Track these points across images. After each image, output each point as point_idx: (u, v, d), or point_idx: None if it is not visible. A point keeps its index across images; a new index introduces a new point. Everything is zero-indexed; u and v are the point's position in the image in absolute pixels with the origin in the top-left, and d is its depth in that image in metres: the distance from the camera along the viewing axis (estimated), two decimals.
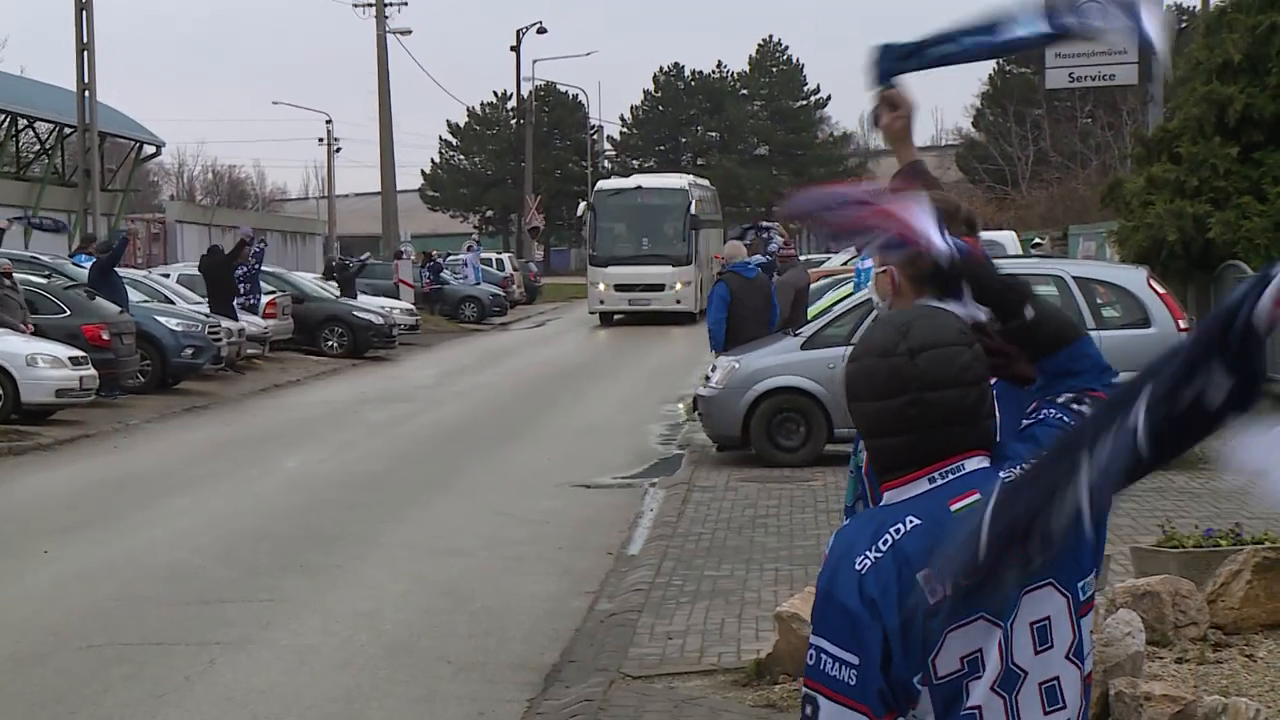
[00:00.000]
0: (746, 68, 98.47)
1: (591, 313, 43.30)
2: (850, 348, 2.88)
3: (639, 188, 45.43)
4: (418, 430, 19.46)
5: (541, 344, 36.21)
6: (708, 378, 16.02)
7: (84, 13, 31.81)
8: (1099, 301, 15.21)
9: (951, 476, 2.70)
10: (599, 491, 14.56)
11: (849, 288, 16.95)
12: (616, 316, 42.79)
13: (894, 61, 4.05)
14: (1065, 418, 2.81)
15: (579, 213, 46.65)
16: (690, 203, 43.71)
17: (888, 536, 2.65)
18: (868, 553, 2.65)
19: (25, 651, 8.93)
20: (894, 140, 4.15)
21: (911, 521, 2.65)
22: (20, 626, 9.52)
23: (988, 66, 70.86)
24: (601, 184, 47.94)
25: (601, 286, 42.52)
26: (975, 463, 2.72)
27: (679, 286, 42.22)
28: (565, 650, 8.71)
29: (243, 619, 9.62)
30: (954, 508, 2.65)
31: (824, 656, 2.66)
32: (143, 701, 7.95)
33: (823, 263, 27.74)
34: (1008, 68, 69.65)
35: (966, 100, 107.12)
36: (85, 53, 32.11)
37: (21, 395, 19.23)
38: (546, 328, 43.78)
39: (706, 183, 53.97)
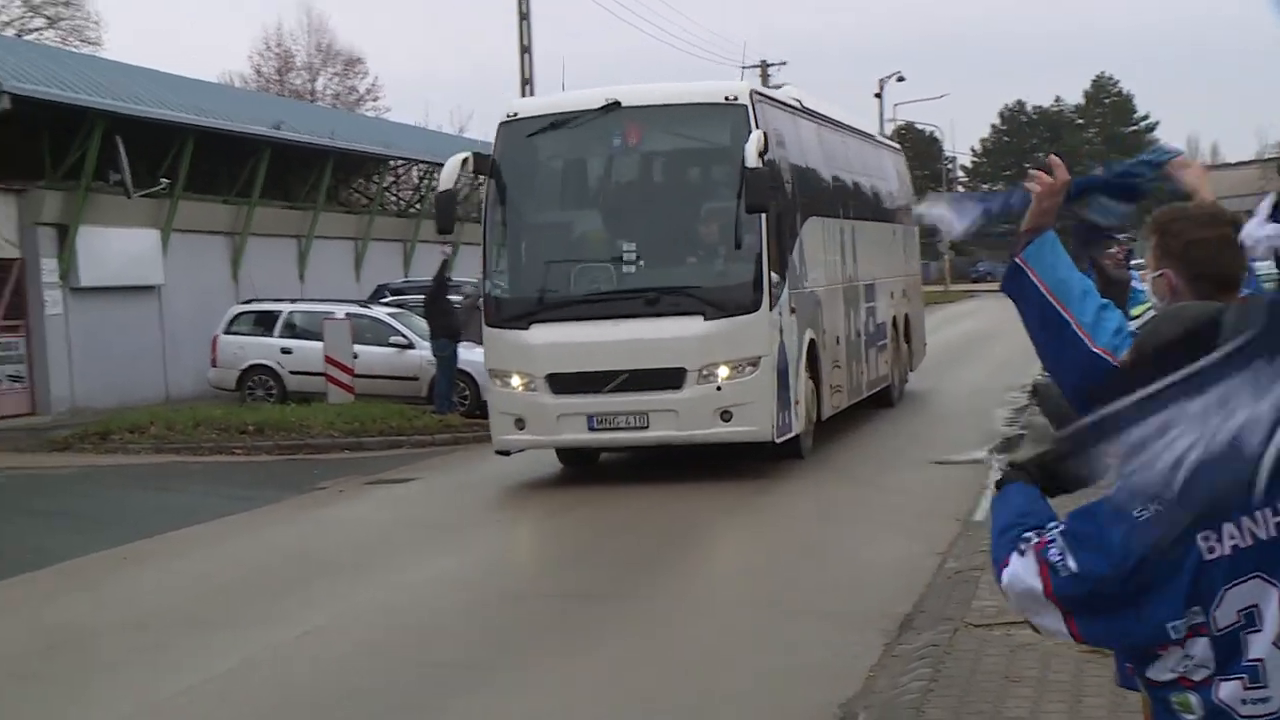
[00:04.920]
0: (1082, 100, 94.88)
1: (499, 452, 13.91)
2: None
3: (614, 106, 13.16)
4: None
5: None
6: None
7: (526, 86, 33.02)
8: None
9: None
10: (950, 467, 14.18)
11: None
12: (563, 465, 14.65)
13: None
14: None
15: (439, 186, 13.91)
16: (750, 134, 12.63)
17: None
18: (1150, 504, 2.46)
19: (508, 591, 9.29)
20: (1040, 213, 3.60)
21: None
22: (481, 582, 9.90)
23: None
24: (516, 105, 14.20)
25: (516, 383, 13.14)
26: None
27: (724, 372, 12.80)
28: (917, 602, 8.48)
29: (638, 575, 9.75)
30: None
31: (1059, 542, 2.55)
32: (582, 639, 8.15)
33: None
34: None
35: None
36: None
37: (482, 395, 20.14)
38: None
39: (796, 94, 16.49)
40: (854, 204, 17.77)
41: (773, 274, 13.05)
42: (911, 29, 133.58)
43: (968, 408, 19.41)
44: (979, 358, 28.62)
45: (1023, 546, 2.59)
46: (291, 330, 22.10)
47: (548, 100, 14.25)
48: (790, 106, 15.64)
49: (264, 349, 21.94)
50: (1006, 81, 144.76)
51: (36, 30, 48.31)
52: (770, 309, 12.97)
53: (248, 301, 23.88)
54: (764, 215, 12.74)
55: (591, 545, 10.90)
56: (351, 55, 59.85)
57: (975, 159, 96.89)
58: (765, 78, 51.09)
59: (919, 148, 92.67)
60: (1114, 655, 2.73)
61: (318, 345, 20.63)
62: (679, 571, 9.86)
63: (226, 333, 22.42)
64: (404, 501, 14.00)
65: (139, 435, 18.52)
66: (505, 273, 13.59)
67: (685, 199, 13.74)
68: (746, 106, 13.05)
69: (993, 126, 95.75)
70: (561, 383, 12.90)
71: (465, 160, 13.31)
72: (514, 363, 13.16)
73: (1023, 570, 2.58)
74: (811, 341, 14.39)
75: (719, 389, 12.79)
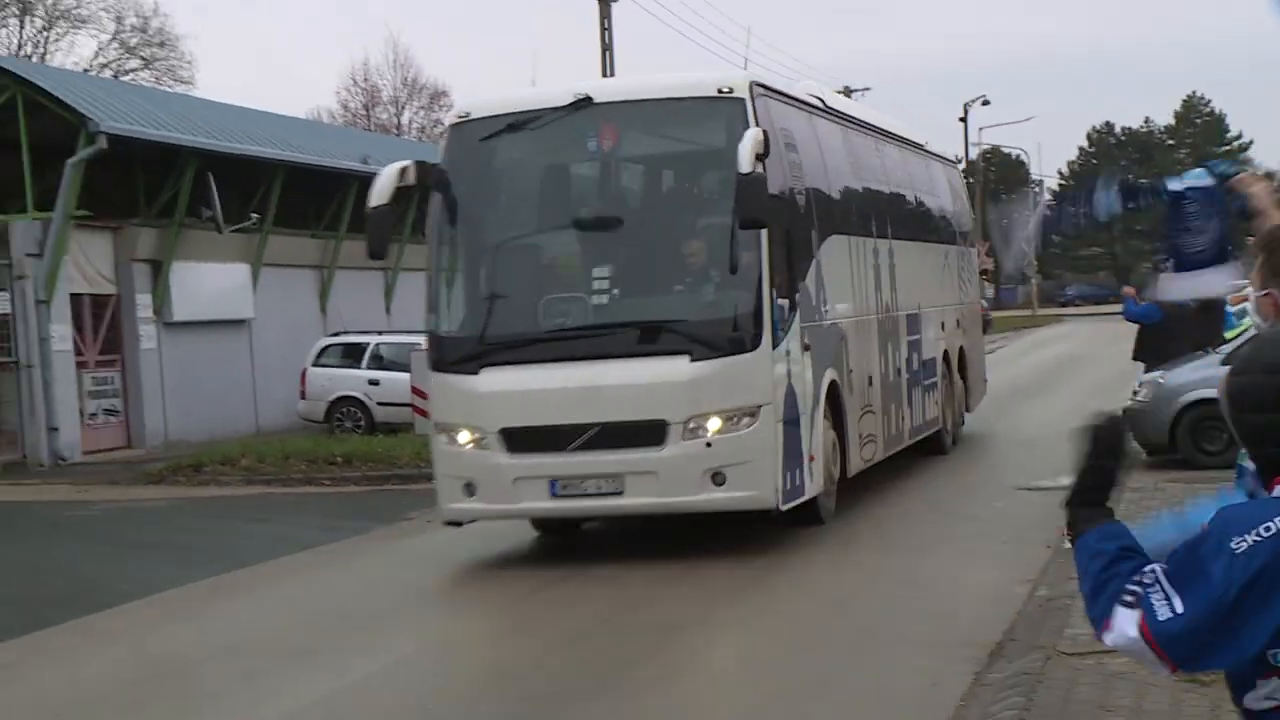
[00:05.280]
0: (1172, 121, 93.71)
1: (449, 523, 11.57)
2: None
3: (584, 102, 11.08)
4: None
5: (991, 369, 35.11)
6: (1136, 392, 15.31)
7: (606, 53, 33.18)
8: None
9: None
10: (1040, 493, 14.04)
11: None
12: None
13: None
14: None
15: (370, 201, 11.03)
16: (748, 136, 10.44)
17: (1272, 525, 2.46)
18: (1247, 535, 2.46)
19: (599, 617, 9.34)
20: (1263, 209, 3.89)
21: None
22: (572, 609, 9.93)
23: None
24: (468, 104, 11.88)
25: (464, 439, 10.92)
26: None
27: (716, 425, 10.58)
28: (1007, 630, 8.41)
29: (704, 598, 9.74)
30: None
31: (1159, 585, 2.51)
32: (656, 675, 8.18)
33: (1244, 288, 25.96)
34: None
35: None
36: None
37: None
38: (996, 355, 42.49)
39: (818, 91, 13.98)
40: (893, 222, 15.27)
41: (778, 303, 10.83)
42: (997, 53, 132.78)
43: (1056, 433, 19.20)
44: (1068, 383, 28.32)
45: (1128, 599, 2.56)
46: (379, 362, 22.41)
47: (506, 97, 11.66)
48: (806, 104, 13.16)
49: (352, 381, 22.25)
50: (1094, 104, 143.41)
51: (132, 71, 49.54)
52: (774, 346, 10.74)
53: (336, 334, 24.23)
54: (764, 232, 10.61)
55: (679, 574, 10.91)
56: (437, 88, 60.68)
57: (1062, 182, 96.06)
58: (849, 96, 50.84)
59: (1005, 172, 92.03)
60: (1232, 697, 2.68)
61: (404, 376, 20.86)
62: (763, 600, 9.85)
63: (315, 365, 22.78)
64: (491, 531, 14.08)
65: (230, 467, 18.84)
66: (451, 304, 11.40)
67: (669, 214, 11.75)
68: (744, 100, 10.95)
69: (1080, 149, 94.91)
70: (518, 439, 10.70)
71: (404, 170, 11.08)
72: (461, 415, 10.94)
73: (1127, 625, 2.54)
74: (833, 383, 12.14)
75: (709, 445, 10.54)
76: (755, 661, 8.25)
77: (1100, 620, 2.58)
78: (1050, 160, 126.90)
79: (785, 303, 10.97)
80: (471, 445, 10.86)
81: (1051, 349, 40.97)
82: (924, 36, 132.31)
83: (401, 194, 11.07)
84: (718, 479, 10.55)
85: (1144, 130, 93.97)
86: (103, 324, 23.08)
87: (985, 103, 65.23)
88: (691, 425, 10.52)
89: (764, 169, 10.50)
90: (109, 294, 23.19)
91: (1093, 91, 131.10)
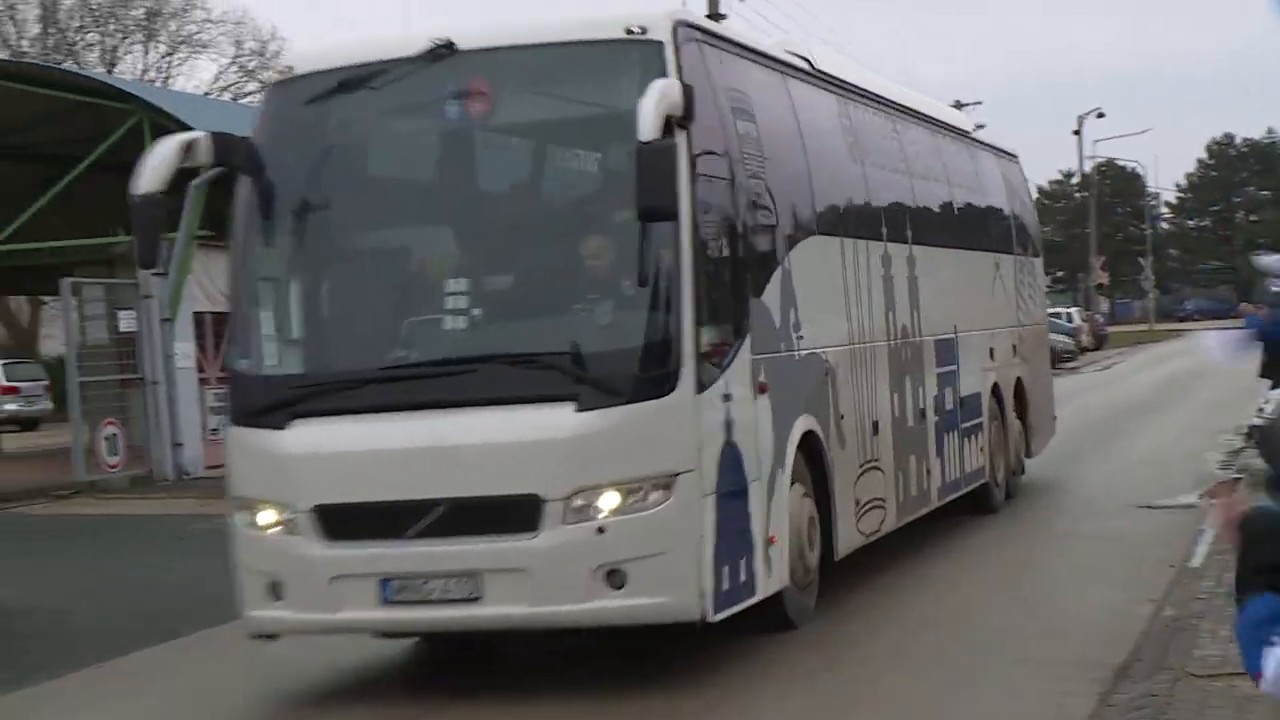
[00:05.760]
0: None
1: (255, 636, 8.18)
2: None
3: (445, 50, 7.95)
4: None
5: (1107, 385, 34.72)
6: (1261, 409, 14.93)
7: None
8: None
9: None
10: (1161, 512, 13.76)
11: None
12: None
13: None
14: None
15: (135, 187, 7.73)
16: (653, 90, 7.26)
17: None
18: None
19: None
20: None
21: None
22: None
23: None
24: (296, 59, 9.06)
25: (267, 521, 7.85)
26: None
27: (612, 502, 7.37)
28: (1132, 651, 8.25)
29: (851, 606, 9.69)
30: None
31: None
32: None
33: None
34: None
35: None
36: None
37: None
38: (1112, 370, 41.89)
39: (807, 53, 10.77)
40: (915, 222, 11.94)
41: (712, 327, 7.75)
42: (1112, 65, 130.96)
43: (1175, 452, 18.84)
44: (1187, 399, 27.76)
45: (1274, 639, 2.54)
46: None
47: (347, 47, 8.61)
48: (777, 61, 10.01)
49: None
50: (1212, 115, 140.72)
51: (250, 94, 50.73)
52: (699, 387, 7.56)
53: None
54: (687, 229, 7.52)
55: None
56: None
57: (1180, 194, 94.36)
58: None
59: (1119, 185, 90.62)
60: None
61: None
62: (883, 615, 9.78)
63: None
64: None
65: None
66: (255, 331, 8.34)
67: (556, 203, 8.82)
68: (662, 45, 7.83)
69: (1199, 161, 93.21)
70: (337, 521, 7.67)
71: (190, 145, 8.03)
72: (263, 486, 7.94)
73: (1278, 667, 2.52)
74: (808, 434, 9.02)
75: (601, 531, 7.39)
76: (868, 681, 8.17)
77: (1253, 672, 2.56)
78: (1167, 173, 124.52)
79: (725, 326, 7.97)
80: (277, 529, 7.85)
81: (1169, 365, 40.15)
82: (1037, 54, 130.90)
83: (185, 178, 8.46)
84: (615, 579, 7.40)
85: (1266, 141, 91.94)
86: (223, 341, 23.55)
87: (1100, 115, 64.41)
88: (577, 503, 7.40)
89: (688, 138, 7.57)
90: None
91: (1211, 103, 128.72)
